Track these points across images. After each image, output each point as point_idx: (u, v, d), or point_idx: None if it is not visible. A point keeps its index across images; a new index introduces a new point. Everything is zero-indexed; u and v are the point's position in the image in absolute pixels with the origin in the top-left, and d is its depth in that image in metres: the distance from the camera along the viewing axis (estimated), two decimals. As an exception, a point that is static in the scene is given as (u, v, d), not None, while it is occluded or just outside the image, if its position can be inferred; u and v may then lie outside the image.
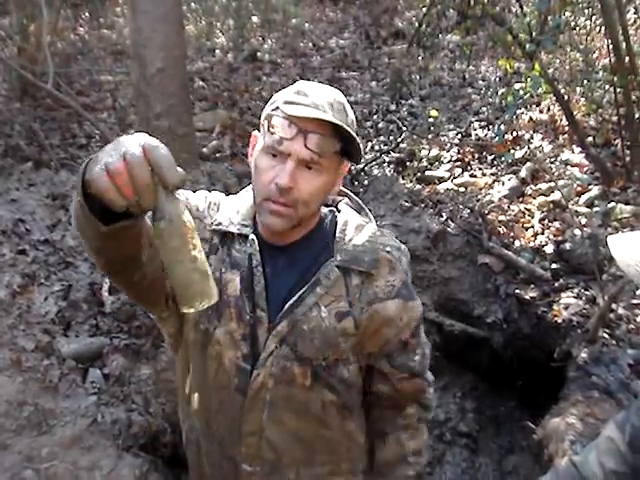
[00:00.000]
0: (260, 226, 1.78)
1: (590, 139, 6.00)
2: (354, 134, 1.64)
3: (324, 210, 1.86)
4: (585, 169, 5.74)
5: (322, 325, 1.74)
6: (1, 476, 2.82)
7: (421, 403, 1.99)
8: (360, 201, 1.94)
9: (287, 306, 1.75)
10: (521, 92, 4.85)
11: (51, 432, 3.05)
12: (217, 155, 5.94)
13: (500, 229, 4.91)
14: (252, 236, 1.79)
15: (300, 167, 1.62)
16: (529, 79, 4.71)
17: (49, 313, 3.48)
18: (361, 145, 1.69)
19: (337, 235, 1.79)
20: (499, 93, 7.35)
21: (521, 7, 6.50)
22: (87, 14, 10.30)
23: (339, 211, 1.87)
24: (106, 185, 1.18)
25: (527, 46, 5.00)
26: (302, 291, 1.74)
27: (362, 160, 6.08)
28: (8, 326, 3.27)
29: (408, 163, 6.09)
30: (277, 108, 1.64)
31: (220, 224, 1.81)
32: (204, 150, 5.81)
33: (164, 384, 3.60)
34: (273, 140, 1.62)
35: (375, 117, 7.36)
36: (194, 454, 2.05)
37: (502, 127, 5.81)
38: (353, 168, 5.66)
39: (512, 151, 6.09)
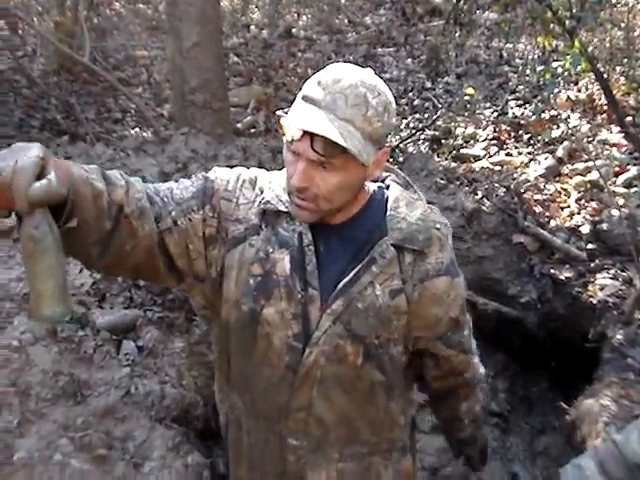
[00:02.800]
0: None
1: (629, 118, 5.90)
2: (352, 140, 1.56)
3: (372, 187, 1.84)
4: (624, 149, 5.65)
5: (377, 303, 1.74)
6: (37, 443, 2.85)
7: (471, 375, 2.05)
8: (406, 176, 1.92)
9: (341, 285, 1.74)
10: (560, 70, 4.78)
11: (85, 402, 3.08)
12: (251, 131, 5.95)
13: (536, 208, 4.86)
14: None
15: (313, 166, 1.61)
16: (568, 57, 4.63)
17: (84, 285, 3.50)
18: (385, 129, 1.65)
19: (389, 212, 1.77)
20: (537, 71, 7.25)
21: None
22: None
23: (387, 187, 1.85)
24: None
25: (567, 22, 4.90)
26: (357, 270, 1.74)
27: (397, 137, 6.05)
28: (44, 297, 3.30)
29: (443, 141, 6.06)
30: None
31: (268, 202, 1.80)
32: (238, 125, 5.82)
33: (197, 357, 3.62)
34: (287, 139, 1.63)
35: (410, 94, 7.32)
36: (234, 433, 2.06)
37: (540, 105, 5.74)
38: (387, 145, 5.62)
39: (549, 130, 6.01)
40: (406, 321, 1.79)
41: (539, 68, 7.24)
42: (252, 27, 9.63)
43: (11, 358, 3.02)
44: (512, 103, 6.98)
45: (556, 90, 6.32)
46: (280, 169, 1.87)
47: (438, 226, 1.79)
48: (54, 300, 1.34)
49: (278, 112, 1.68)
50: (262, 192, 1.83)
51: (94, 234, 1.51)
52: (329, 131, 1.54)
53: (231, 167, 1.92)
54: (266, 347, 1.80)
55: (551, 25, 6.24)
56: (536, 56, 7.90)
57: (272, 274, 1.78)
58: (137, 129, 5.66)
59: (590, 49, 6.33)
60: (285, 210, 1.78)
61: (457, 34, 7.82)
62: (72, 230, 1.42)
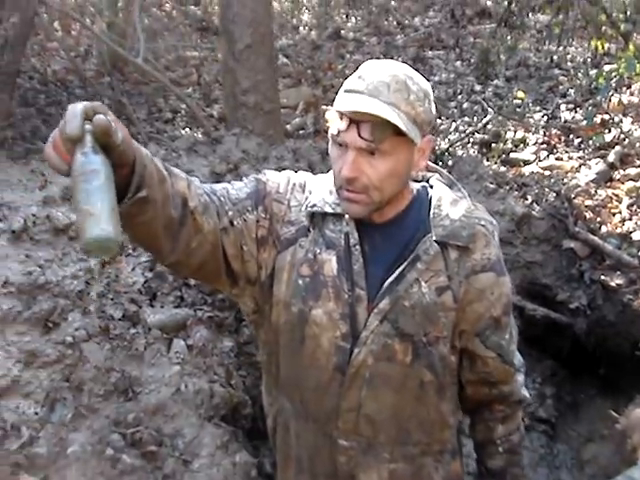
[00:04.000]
0: None
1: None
2: (402, 119, 1.61)
3: (416, 186, 1.86)
4: (678, 155, 5.57)
5: (423, 300, 1.75)
6: (90, 438, 2.90)
7: (510, 390, 1.99)
8: (451, 176, 1.93)
9: (387, 283, 1.76)
10: (613, 74, 4.73)
11: (136, 399, 3.12)
12: (300, 132, 5.97)
13: (586, 214, 4.81)
14: (347, 215, 1.80)
15: (362, 154, 1.63)
16: (622, 60, 4.58)
17: (136, 283, 3.54)
18: (427, 116, 1.69)
19: (433, 211, 1.79)
20: (588, 75, 7.17)
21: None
22: (174, -10, 10.43)
23: (431, 187, 1.87)
24: (49, 153, 1.33)
25: (622, 26, 4.85)
26: (402, 268, 1.75)
27: (446, 140, 6.03)
28: (97, 294, 3.35)
29: (493, 144, 6.02)
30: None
31: (315, 205, 1.83)
32: (287, 127, 5.84)
33: (245, 357, 3.65)
34: (332, 132, 1.66)
35: (459, 97, 7.27)
36: (282, 436, 2.07)
37: (592, 109, 5.67)
38: (437, 148, 5.62)
39: (602, 134, 5.94)
40: (454, 317, 1.79)
41: (591, 72, 7.16)
42: (301, 28, 9.67)
43: (65, 354, 3.07)
44: (563, 107, 6.91)
45: (609, 93, 6.25)
46: (329, 171, 1.89)
47: (483, 223, 1.80)
48: (103, 220, 1.29)
49: (324, 107, 1.71)
50: (310, 195, 1.86)
51: (162, 219, 1.52)
52: (377, 109, 1.58)
53: (282, 169, 1.95)
54: (314, 348, 1.82)
55: (603, 28, 6.19)
56: (589, 59, 7.81)
57: (320, 275, 1.80)
58: (188, 129, 5.71)
59: (644, 53, 6.25)
60: (331, 212, 1.81)
61: (508, 37, 7.77)
62: (142, 207, 1.44)
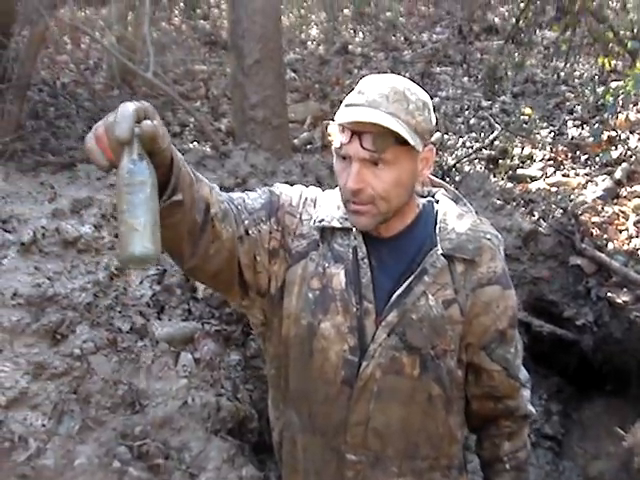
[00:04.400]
0: None
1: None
2: (403, 128, 1.63)
3: (422, 201, 1.88)
4: (685, 172, 5.57)
5: (430, 314, 1.76)
6: (97, 450, 2.90)
7: (515, 405, 1.99)
8: (456, 191, 1.95)
9: (395, 296, 1.77)
10: (620, 91, 4.74)
11: (143, 412, 3.13)
12: (308, 147, 5.99)
13: (593, 231, 4.81)
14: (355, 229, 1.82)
15: (366, 165, 1.65)
16: (629, 77, 4.60)
17: (144, 296, 3.56)
18: (427, 125, 1.71)
19: (439, 225, 1.80)
20: (595, 92, 7.19)
21: (623, 3, 6.34)
22: (182, 4, 10.49)
23: (437, 201, 1.88)
24: (91, 146, 1.33)
25: (629, 43, 4.87)
26: (409, 281, 1.76)
27: (453, 156, 6.04)
28: (105, 307, 3.36)
29: (500, 161, 6.03)
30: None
31: (323, 220, 1.85)
32: (295, 142, 5.86)
33: (253, 371, 3.65)
34: (335, 146, 1.69)
35: (467, 113, 7.29)
36: (289, 450, 2.05)
37: (599, 126, 5.68)
38: (444, 164, 5.63)
39: (608, 151, 5.95)
40: (460, 330, 1.80)
41: (598, 89, 7.17)
42: (309, 43, 9.72)
43: (73, 366, 3.08)
44: (569, 123, 6.92)
45: (616, 110, 6.26)
46: (337, 187, 1.91)
47: (488, 236, 1.81)
48: (147, 237, 1.30)
49: (325, 122, 1.73)
50: (319, 209, 1.88)
51: (188, 223, 1.54)
52: (377, 118, 1.61)
53: (290, 183, 1.97)
54: (322, 362, 1.82)
55: (610, 45, 6.21)
56: (596, 76, 7.83)
57: (329, 288, 1.81)
58: (196, 143, 5.74)
59: (651, 70, 6.26)
60: (339, 226, 1.83)
61: (515, 53, 7.80)
62: (174, 209, 1.46)
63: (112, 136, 1.30)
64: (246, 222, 1.77)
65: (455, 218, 1.81)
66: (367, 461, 1.90)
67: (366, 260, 1.80)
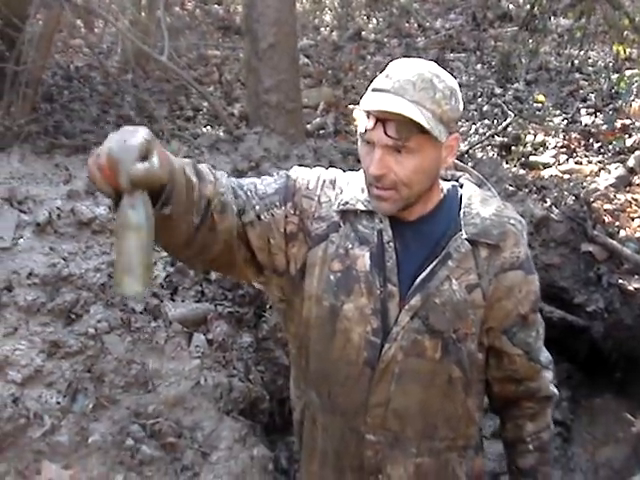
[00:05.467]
0: None
1: None
2: (426, 117, 1.63)
3: (447, 185, 1.89)
4: (697, 160, 5.54)
5: (453, 298, 1.78)
6: (111, 428, 2.94)
7: (537, 386, 2.01)
8: (480, 175, 1.96)
9: (419, 280, 1.79)
10: (635, 79, 4.73)
11: (156, 391, 3.16)
12: (320, 132, 5.99)
13: (605, 218, 4.81)
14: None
15: (389, 152, 1.67)
16: (643, 65, 4.59)
17: (158, 277, 3.58)
18: (454, 113, 1.71)
19: (463, 209, 1.81)
20: (610, 79, 7.15)
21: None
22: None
23: (461, 186, 1.89)
24: (95, 175, 1.38)
25: (644, 31, 4.86)
26: (434, 265, 1.78)
27: (466, 143, 6.04)
28: (119, 287, 3.39)
29: (513, 147, 6.02)
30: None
31: (347, 203, 1.86)
32: (308, 127, 5.86)
33: (264, 353, 3.68)
34: (360, 130, 1.70)
35: (480, 100, 7.27)
36: (309, 431, 2.08)
37: (612, 114, 5.66)
38: (457, 150, 5.61)
39: (622, 138, 5.93)
40: (482, 315, 1.82)
41: (613, 76, 7.14)
42: (322, 29, 9.69)
43: (87, 345, 3.12)
44: (583, 111, 6.90)
45: (630, 98, 6.24)
46: (351, 169, 1.92)
47: (512, 221, 1.82)
48: (138, 280, 1.40)
49: (351, 106, 1.75)
50: (341, 192, 1.89)
51: (183, 225, 1.57)
52: (401, 108, 1.61)
53: (302, 167, 1.98)
54: (344, 343, 1.84)
55: (625, 33, 6.18)
56: (610, 64, 7.79)
57: (352, 270, 1.83)
58: (209, 127, 5.75)
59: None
60: (363, 209, 1.84)
61: (529, 40, 7.76)
62: (164, 217, 1.48)
63: (118, 173, 1.34)
64: (257, 207, 1.80)
65: (479, 203, 1.82)
66: (386, 441, 1.93)
67: (392, 244, 1.81)
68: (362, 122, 1.68)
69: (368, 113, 1.66)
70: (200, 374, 3.31)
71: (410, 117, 1.60)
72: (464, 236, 1.78)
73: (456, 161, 1.97)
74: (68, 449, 2.84)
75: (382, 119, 1.63)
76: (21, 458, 2.76)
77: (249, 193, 1.81)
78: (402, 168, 1.68)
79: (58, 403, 2.92)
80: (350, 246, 1.84)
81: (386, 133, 1.64)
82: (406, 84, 1.64)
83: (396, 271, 1.81)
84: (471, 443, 2.04)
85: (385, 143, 1.65)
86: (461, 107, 1.76)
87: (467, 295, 1.78)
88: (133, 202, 1.36)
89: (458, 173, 1.94)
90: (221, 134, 5.23)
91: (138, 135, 1.36)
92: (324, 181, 1.92)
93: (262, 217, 1.80)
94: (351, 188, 1.89)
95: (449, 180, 1.92)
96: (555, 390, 2.05)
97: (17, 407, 2.82)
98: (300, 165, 2.02)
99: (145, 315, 3.38)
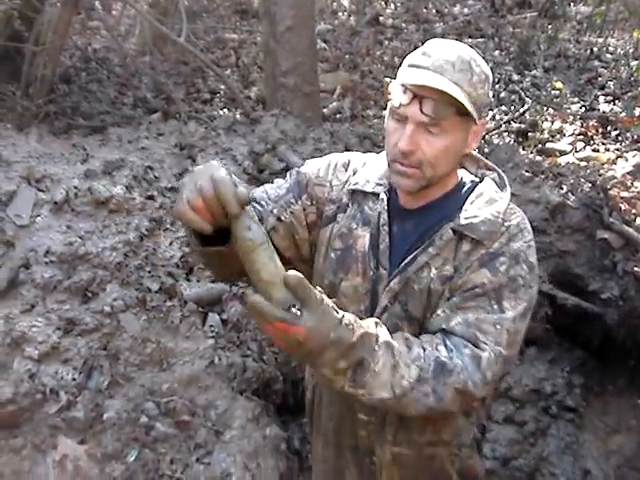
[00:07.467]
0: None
1: None
2: (466, 99, 1.63)
3: (466, 178, 1.88)
4: None
5: (431, 287, 1.77)
6: (125, 405, 2.98)
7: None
8: (507, 179, 1.91)
9: (402, 265, 1.80)
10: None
11: (171, 369, 3.19)
12: (337, 116, 5.99)
13: (622, 205, 4.78)
14: (383, 195, 1.85)
15: (420, 129, 1.66)
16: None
17: (173, 257, 3.60)
18: (486, 98, 1.71)
19: (466, 205, 1.80)
20: (629, 66, 7.10)
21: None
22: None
23: (481, 181, 1.88)
24: (192, 217, 1.43)
25: (665, 18, 4.81)
26: (418, 250, 1.78)
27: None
28: (135, 267, 3.41)
29: (530, 134, 5.99)
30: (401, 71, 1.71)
31: (357, 184, 1.89)
32: (324, 111, 5.86)
33: (278, 333, 3.69)
34: (393, 105, 1.69)
35: (497, 86, 7.23)
36: (317, 410, 2.15)
37: (631, 101, 5.62)
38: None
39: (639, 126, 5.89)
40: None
41: (633, 63, 7.09)
42: (340, 14, 9.66)
43: (103, 323, 3.15)
44: (601, 99, 6.85)
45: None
46: (366, 152, 1.93)
47: (507, 224, 1.78)
48: (280, 285, 1.46)
49: (387, 79, 1.74)
50: (354, 173, 1.91)
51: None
52: (444, 85, 1.61)
53: (319, 150, 2.02)
54: None
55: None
56: (631, 50, 7.73)
57: (352, 249, 1.87)
58: (226, 110, 5.75)
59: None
60: (370, 191, 1.87)
61: (548, 27, 7.72)
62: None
63: (229, 210, 1.42)
64: (275, 211, 1.86)
65: (484, 202, 1.80)
66: (376, 422, 1.96)
67: (386, 227, 1.83)
68: (397, 96, 1.67)
69: (405, 88, 1.65)
70: (214, 353, 3.34)
71: (453, 96, 1.60)
72: (450, 225, 1.77)
73: (487, 161, 1.95)
74: (83, 425, 2.88)
75: (419, 95, 1.63)
76: (37, 433, 2.80)
77: (262, 202, 1.87)
78: (431, 148, 1.68)
79: (74, 380, 2.95)
80: (354, 226, 1.88)
81: (422, 110, 1.63)
82: (446, 64, 1.64)
83: (387, 254, 1.83)
84: (463, 440, 2.02)
85: (419, 120, 1.65)
86: (491, 94, 1.76)
87: (440, 287, 1.77)
88: (245, 224, 1.44)
89: (487, 172, 1.93)
90: (238, 116, 5.24)
91: (219, 168, 1.45)
92: (336, 164, 1.96)
93: (283, 218, 1.87)
94: (366, 169, 1.92)
95: (477, 176, 1.91)
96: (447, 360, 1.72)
97: (34, 383, 2.86)
98: (316, 148, 2.04)
99: (160, 294, 3.41)
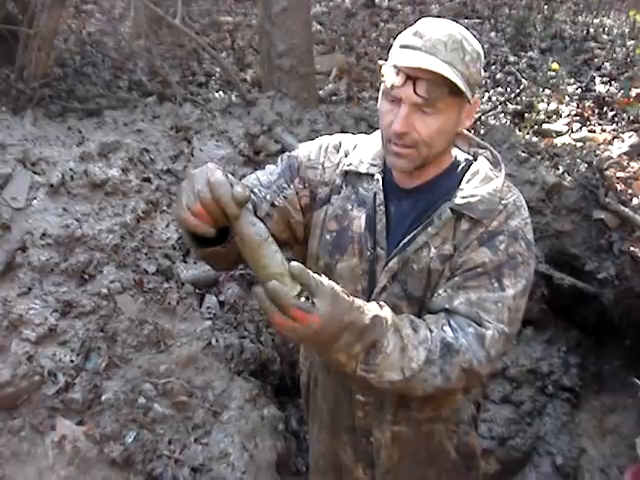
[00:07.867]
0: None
1: None
2: (459, 79, 1.63)
3: (460, 157, 1.88)
4: None
5: (430, 266, 1.78)
6: (123, 387, 2.99)
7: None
8: (500, 156, 1.92)
9: (401, 244, 1.80)
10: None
11: (168, 351, 3.20)
12: (333, 98, 5.97)
13: (618, 185, 4.78)
14: (377, 176, 1.86)
15: (415, 110, 1.66)
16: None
17: (170, 239, 3.61)
18: (478, 77, 1.72)
19: (462, 184, 1.81)
20: (626, 46, 7.08)
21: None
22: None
23: (475, 159, 1.88)
24: (195, 223, 1.45)
25: (661, -3, 4.80)
26: (416, 230, 1.79)
27: (479, 109, 6.00)
28: (132, 249, 3.42)
29: (526, 115, 5.98)
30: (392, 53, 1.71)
31: (351, 164, 1.90)
32: (320, 93, 5.84)
33: (275, 315, 3.70)
34: (386, 86, 1.69)
35: (493, 68, 7.22)
36: (312, 392, 2.16)
37: (628, 81, 5.61)
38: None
39: (637, 106, 5.88)
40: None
41: (629, 43, 7.06)
42: (335, -4, 9.62)
43: (100, 305, 3.16)
44: (597, 80, 6.84)
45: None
46: (362, 133, 1.93)
47: (504, 202, 1.79)
48: (289, 277, 1.48)
49: (380, 62, 1.73)
50: (346, 155, 1.92)
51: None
52: (437, 66, 1.61)
53: (315, 132, 2.02)
54: None
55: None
56: (626, 31, 7.70)
57: (348, 230, 1.87)
58: (221, 92, 5.73)
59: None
60: (364, 172, 1.88)
61: (544, 8, 7.69)
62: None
63: (228, 211, 1.42)
64: (268, 197, 1.87)
65: (480, 180, 1.81)
66: (373, 403, 1.97)
67: (382, 207, 1.84)
68: (390, 78, 1.67)
69: (397, 69, 1.65)
70: (211, 335, 3.35)
71: (447, 76, 1.60)
72: (449, 205, 1.78)
73: (479, 140, 1.96)
74: (81, 406, 2.89)
75: (413, 77, 1.63)
76: (36, 414, 2.81)
77: (255, 190, 1.88)
78: (426, 128, 1.68)
79: (72, 361, 2.96)
80: (350, 207, 1.88)
81: (415, 91, 1.63)
82: (438, 43, 1.64)
83: (385, 234, 1.83)
84: (461, 416, 2.05)
85: (414, 101, 1.65)
86: (483, 72, 1.76)
87: (440, 266, 1.78)
88: (248, 221, 1.46)
89: (480, 150, 1.94)
90: (234, 98, 5.22)
91: (215, 171, 1.45)
92: (327, 146, 1.96)
93: (276, 203, 1.88)
94: (358, 151, 1.92)
95: (470, 154, 1.92)
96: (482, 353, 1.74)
97: (31, 365, 2.87)
98: (312, 129, 2.05)
99: (157, 276, 3.41)
